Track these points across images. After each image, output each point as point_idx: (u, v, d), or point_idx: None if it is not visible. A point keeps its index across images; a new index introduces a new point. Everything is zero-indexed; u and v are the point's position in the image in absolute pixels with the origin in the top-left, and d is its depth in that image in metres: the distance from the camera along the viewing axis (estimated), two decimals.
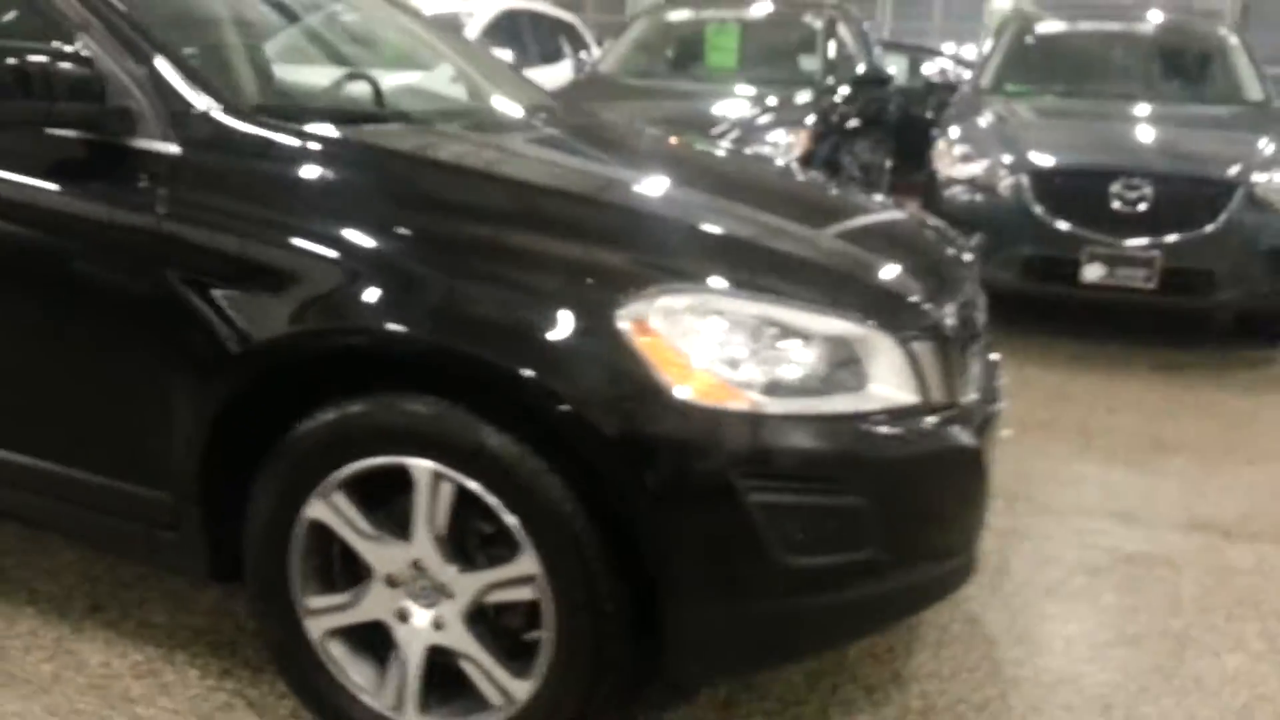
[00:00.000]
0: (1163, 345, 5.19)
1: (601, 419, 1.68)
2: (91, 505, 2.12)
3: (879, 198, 2.95)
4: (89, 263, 1.99)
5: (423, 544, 1.83)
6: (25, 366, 2.11)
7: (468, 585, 1.83)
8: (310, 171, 1.94)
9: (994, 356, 2.42)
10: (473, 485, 1.75)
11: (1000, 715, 2.22)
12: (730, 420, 1.69)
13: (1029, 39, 6.50)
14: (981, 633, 2.53)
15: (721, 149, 3.77)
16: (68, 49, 1.91)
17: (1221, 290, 4.83)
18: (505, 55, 6.55)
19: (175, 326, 1.88)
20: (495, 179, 2.15)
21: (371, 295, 1.78)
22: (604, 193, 2.23)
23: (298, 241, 1.83)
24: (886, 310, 1.89)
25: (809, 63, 6.91)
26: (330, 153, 1.98)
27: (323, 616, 1.95)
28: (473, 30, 7.40)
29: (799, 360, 1.75)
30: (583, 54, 8.50)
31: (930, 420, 1.85)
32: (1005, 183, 5.00)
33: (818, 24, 7.02)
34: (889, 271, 2.06)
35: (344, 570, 1.96)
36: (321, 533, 1.91)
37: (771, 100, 6.14)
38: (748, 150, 5.11)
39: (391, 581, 1.89)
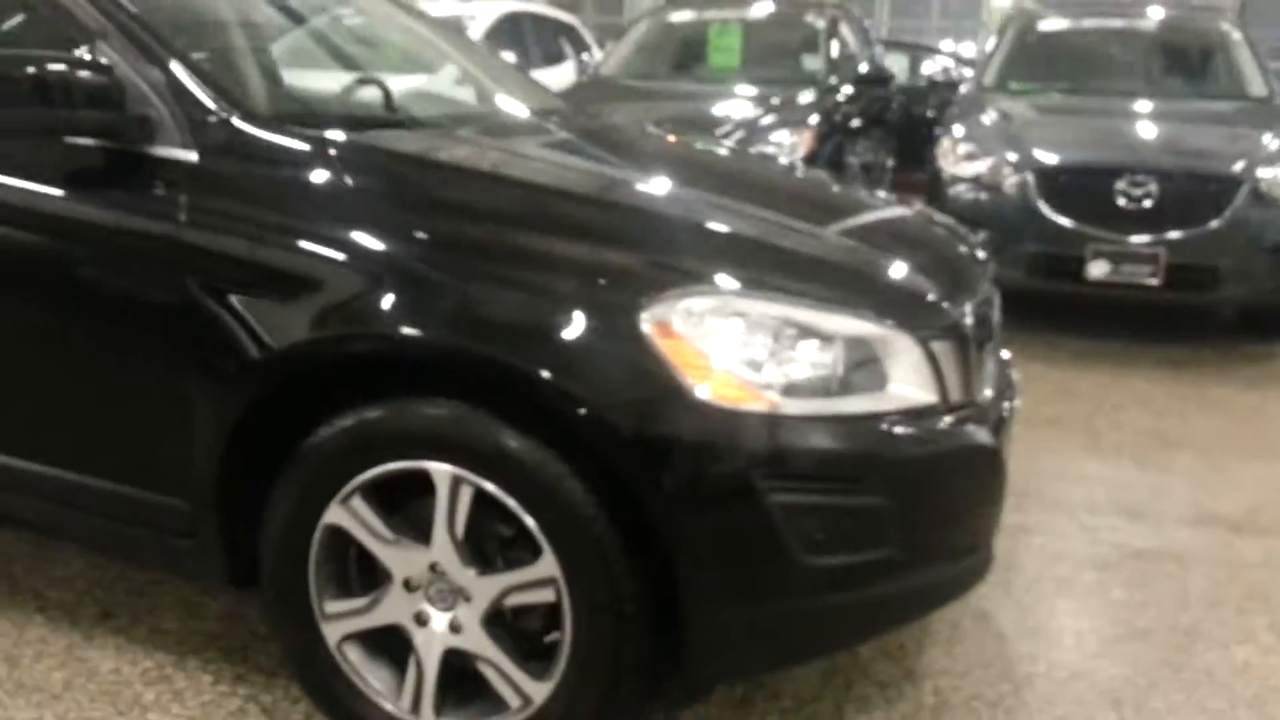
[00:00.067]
0: (1166, 341, 5.20)
1: (624, 421, 1.69)
2: (106, 513, 2.13)
3: (887, 196, 2.96)
4: (108, 270, 2.00)
5: (442, 547, 1.84)
6: (43, 374, 2.12)
7: (486, 588, 1.84)
8: (330, 178, 1.95)
9: (1005, 354, 2.43)
10: (494, 489, 1.76)
11: (1014, 711, 2.23)
12: (752, 421, 1.70)
13: (1031, 37, 6.51)
14: (993, 629, 2.54)
15: (731, 150, 3.78)
16: (86, 57, 1.92)
17: (1226, 286, 4.84)
18: (508, 58, 6.56)
19: (195, 333, 1.90)
20: (513, 183, 2.17)
21: (392, 300, 1.79)
22: (622, 195, 2.25)
23: (318, 248, 1.84)
24: (906, 310, 1.90)
25: (812, 62, 6.92)
26: (349, 159, 1.99)
27: (340, 621, 1.96)
28: (475, 33, 7.42)
29: (819, 361, 1.76)
30: (584, 56, 8.51)
31: (949, 419, 1.87)
32: (1010, 180, 5.01)
33: (820, 23, 7.03)
34: (907, 271, 2.06)
35: (361, 574, 1.98)
36: (339, 537, 1.92)
37: (775, 100, 6.15)
38: (752, 150, 5.12)
39: (409, 585, 1.90)
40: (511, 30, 7.89)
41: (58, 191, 2.01)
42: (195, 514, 2.00)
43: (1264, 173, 4.78)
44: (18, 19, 2.25)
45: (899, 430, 1.81)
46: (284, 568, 1.95)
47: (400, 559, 1.89)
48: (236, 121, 1.97)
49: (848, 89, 6.71)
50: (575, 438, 1.73)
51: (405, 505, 1.90)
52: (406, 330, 1.79)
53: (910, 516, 1.82)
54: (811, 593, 1.78)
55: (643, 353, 1.70)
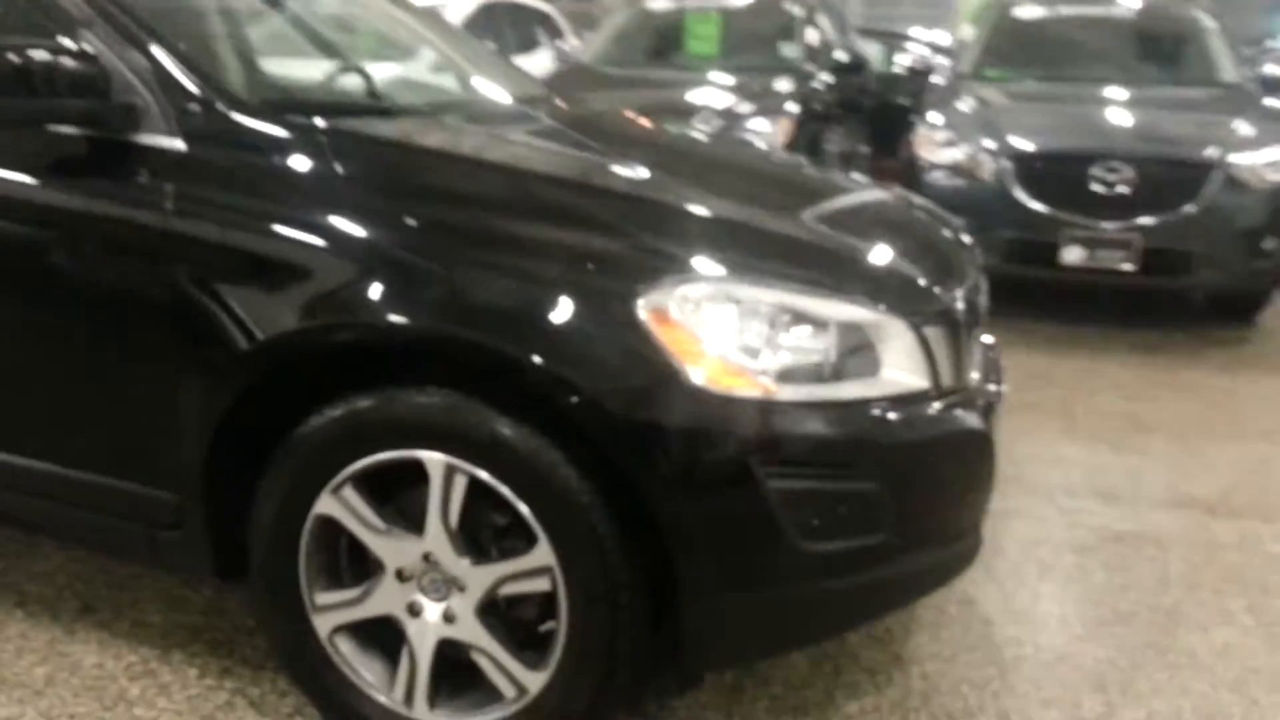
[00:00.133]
0: (1139, 327, 5.26)
1: (621, 408, 1.69)
2: (90, 506, 2.10)
3: (870, 181, 2.96)
4: (92, 260, 1.97)
5: (435, 537, 1.84)
6: (25, 366, 2.09)
7: (481, 578, 1.83)
8: (319, 165, 1.93)
9: (988, 339, 2.44)
10: (488, 478, 1.75)
11: (1002, 694, 2.25)
12: (750, 407, 1.70)
13: (1008, 24, 6.54)
14: (978, 613, 2.57)
15: (715, 136, 3.78)
16: (70, 45, 1.89)
17: (1200, 271, 4.90)
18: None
19: (182, 323, 1.87)
20: (504, 170, 2.15)
21: (383, 289, 1.78)
22: (613, 182, 2.24)
23: (308, 236, 1.82)
24: (898, 295, 1.91)
25: (790, 50, 6.91)
26: (338, 146, 1.97)
27: (331, 612, 1.95)
28: (453, 21, 7.34)
29: (815, 347, 1.77)
30: (560, 43, 8.46)
31: (941, 405, 1.88)
32: (987, 167, 5.04)
33: (798, 11, 7.02)
34: (899, 256, 2.08)
35: (351, 565, 1.96)
36: (330, 528, 1.91)
37: (754, 88, 6.14)
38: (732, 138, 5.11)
39: (402, 575, 1.89)
40: (488, 18, 7.83)
41: (41, 181, 1.98)
42: (182, 505, 1.98)
43: (1237, 158, 4.84)
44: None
45: (894, 415, 1.82)
46: (273, 559, 1.94)
47: (392, 549, 1.88)
48: (223, 109, 1.94)
49: (826, 77, 6.71)
50: (570, 425, 1.72)
51: (396, 495, 1.89)
52: (397, 318, 1.77)
53: (904, 501, 1.84)
54: (808, 579, 1.79)
55: (640, 339, 1.70)
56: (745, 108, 5.96)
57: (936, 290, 2.01)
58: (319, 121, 2.02)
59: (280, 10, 2.91)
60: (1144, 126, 5.30)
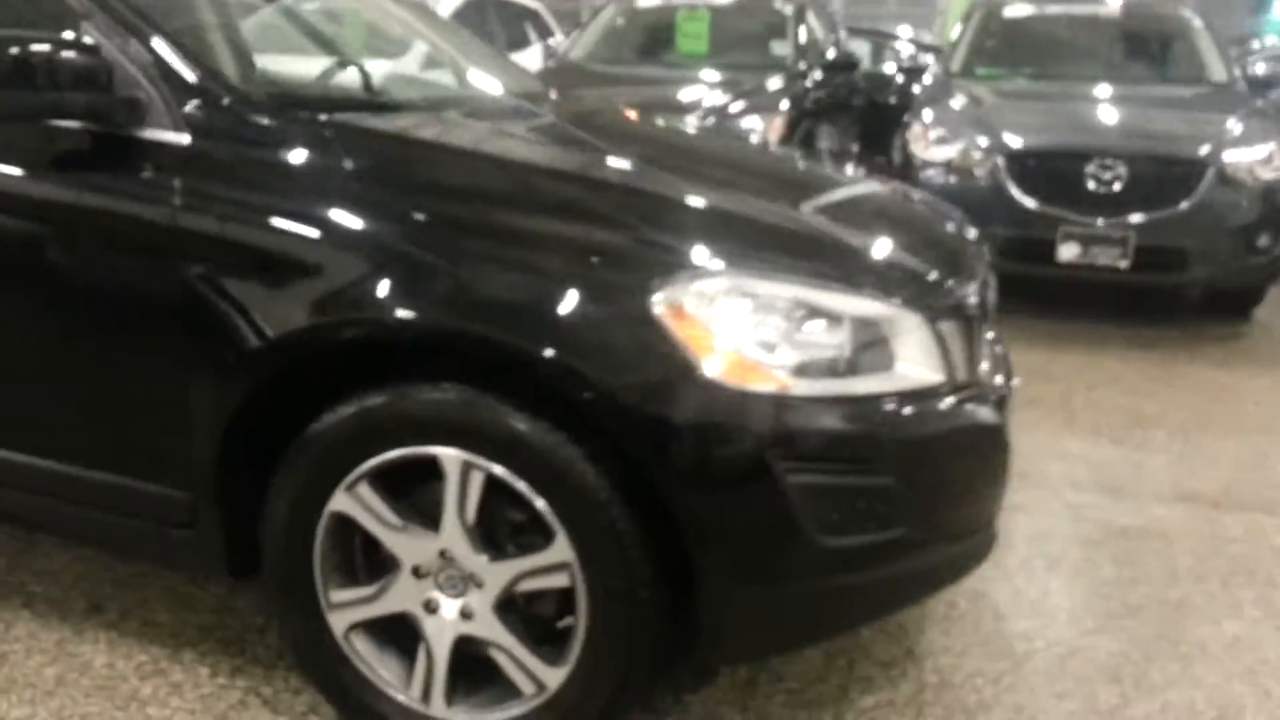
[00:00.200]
0: (1136, 322, 5.28)
1: (639, 404, 1.67)
2: (100, 505, 2.07)
3: (872, 177, 2.96)
4: (100, 257, 1.94)
5: (452, 534, 1.82)
6: (33, 365, 2.06)
7: (498, 574, 1.82)
8: (326, 160, 1.91)
9: (991, 334, 2.44)
10: (506, 474, 1.74)
11: (1016, 688, 2.25)
12: (769, 403, 1.69)
13: (997, 23, 6.56)
14: (989, 607, 2.57)
15: (718, 133, 3.77)
16: (72, 39, 1.86)
17: (1194, 267, 4.92)
18: None
19: (192, 320, 1.85)
20: (514, 165, 2.14)
21: (394, 285, 1.76)
22: (623, 177, 2.22)
23: (317, 231, 1.80)
24: (912, 289, 1.90)
25: (780, 48, 6.92)
26: (345, 141, 1.95)
27: (347, 610, 1.93)
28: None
29: (830, 341, 1.76)
30: (550, 41, 8.45)
31: (955, 399, 1.87)
32: (981, 165, 5.06)
33: (788, 9, 7.03)
34: (912, 251, 2.07)
35: (366, 562, 1.95)
36: (345, 525, 1.89)
37: (745, 86, 6.14)
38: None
39: (418, 572, 1.87)
40: (476, 15, 7.80)
41: (45, 177, 1.95)
42: (194, 504, 1.96)
43: (1230, 156, 4.87)
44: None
45: (908, 410, 1.81)
46: (288, 557, 1.92)
47: (409, 546, 1.86)
48: (228, 103, 1.92)
49: (816, 75, 6.72)
50: (587, 421, 1.71)
51: (410, 492, 1.87)
52: (405, 313, 1.75)
53: (920, 496, 1.83)
54: (826, 573, 1.78)
55: (656, 335, 1.69)
56: (737, 106, 5.96)
57: (949, 284, 2.01)
58: (325, 116, 2.01)
59: (281, 5, 2.89)
60: (1138, 124, 5.32)
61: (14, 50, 1.80)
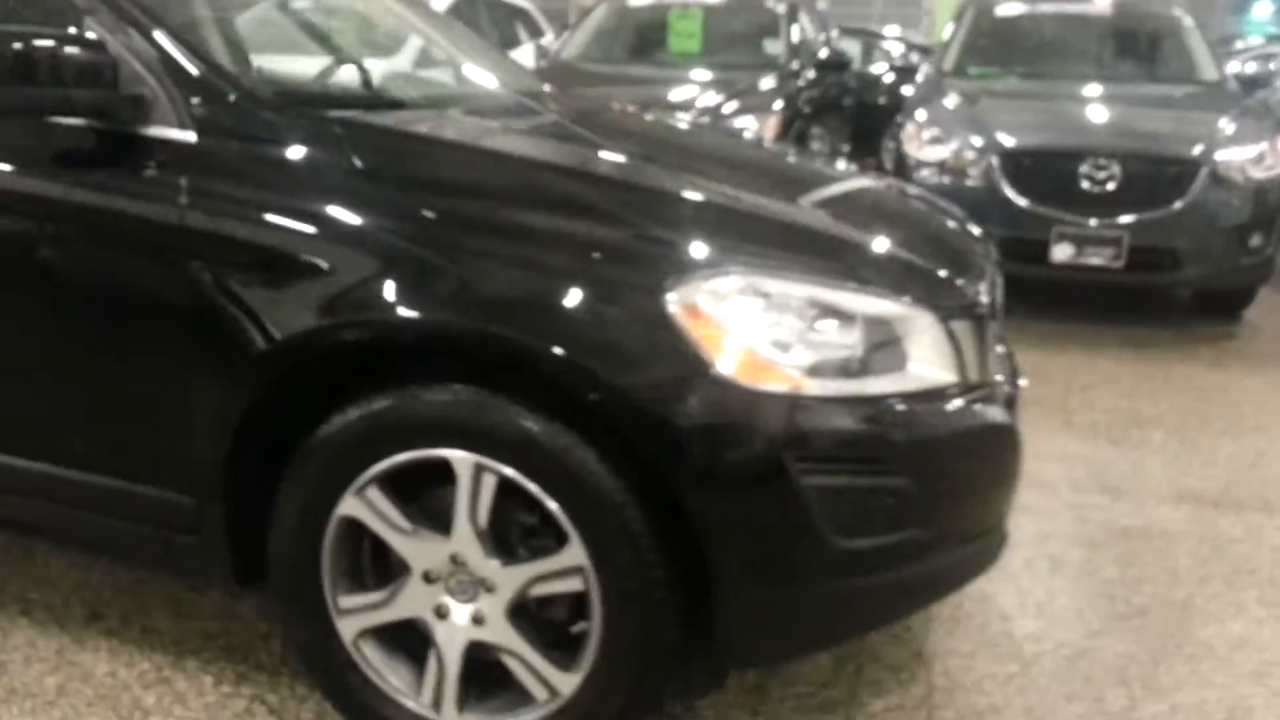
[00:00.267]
0: (1129, 322, 5.30)
1: (651, 403, 1.66)
2: (102, 510, 2.04)
3: (877, 176, 2.96)
4: (103, 256, 1.92)
5: (463, 538, 1.80)
6: (36, 367, 2.03)
7: (511, 578, 1.80)
8: (333, 159, 1.88)
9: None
10: (518, 476, 1.72)
11: (1026, 689, 2.24)
12: (783, 403, 1.68)
13: (988, 22, 6.58)
14: (995, 609, 2.56)
15: (723, 132, 3.76)
16: (75, 33, 1.83)
17: (1187, 267, 4.94)
18: None
19: (198, 321, 1.82)
20: (523, 163, 2.12)
21: (401, 285, 1.74)
22: (631, 175, 2.21)
23: (324, 230, 1.78)
24: (925, 289, 1.89)
25: (773, 47, 6.91)
26: (352, 139, 1.93)
27: (356, 616, 1.90)
28: None
29: (843, 341, 1.75)
30: (542, 40, 8.42)
31: (967, 399, 1.86)
32: (975, 165, 5.06)
33: (780, 8, 7.03)
34: (921, 251, 2.06)
35: (375, 568, 1.92)
36: (353, 530, 1.86)
37: (738, 85, 6.13)
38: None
39: (429, 577, 1.85)
40: (466, 14, 7.77)
41: (46, 175, 1.92)
42: (199, 509, 1.93)
43: (1222, 155, 4.89)
44: None
45: (925, 410, 1.80)
46: (296, 562, 1.89)
47: (419, 550, 1.84)
48: (234, 100, 1.89)
49: (809, 74, 6.72)
50: (600, 422, 1.69)
51: (420, 495, 1.85)
52: (414, 314, 1.73)
53: (934, 497, 1.82)
54: (841, 575, 1.77)
55: (670, 334, 1.67)
56: (730, 105, 5.95)
57: (960, 283, 2.00)
58: (331, 113, 1.98)
59: (285, 3, 2.86)
60: (1130, 124, 5.35)
61: (18, 46, 1.77)
